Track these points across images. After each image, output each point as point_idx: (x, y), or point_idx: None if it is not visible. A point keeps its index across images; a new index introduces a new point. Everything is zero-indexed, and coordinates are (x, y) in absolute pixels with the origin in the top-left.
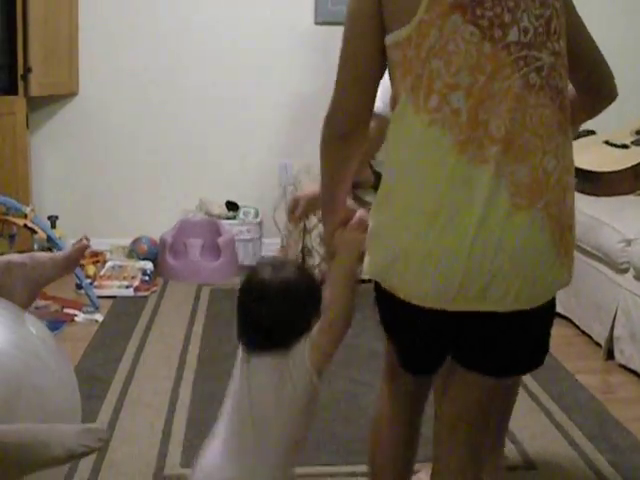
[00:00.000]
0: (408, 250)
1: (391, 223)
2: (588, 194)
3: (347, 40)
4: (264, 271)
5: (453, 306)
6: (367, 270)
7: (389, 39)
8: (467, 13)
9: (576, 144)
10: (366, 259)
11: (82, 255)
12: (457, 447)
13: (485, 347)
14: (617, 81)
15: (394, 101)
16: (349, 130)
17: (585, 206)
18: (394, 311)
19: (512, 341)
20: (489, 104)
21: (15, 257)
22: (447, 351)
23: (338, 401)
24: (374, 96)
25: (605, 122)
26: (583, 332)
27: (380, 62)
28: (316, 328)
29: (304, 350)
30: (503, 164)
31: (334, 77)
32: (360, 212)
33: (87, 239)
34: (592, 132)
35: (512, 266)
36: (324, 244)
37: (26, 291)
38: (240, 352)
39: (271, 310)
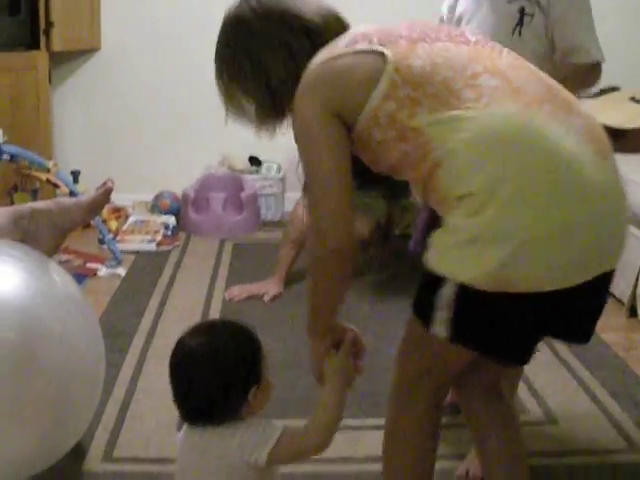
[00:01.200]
0: (530, 238)
1: (497, 221)
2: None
3: (315, 143)
4: (192, 338)
5: (587, 275)
6: (473, 280)
7: (366, 114)
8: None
9: (600, 101)
10: (462, 270)
11: (107, 198)
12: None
13: (591, 313)
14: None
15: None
16: (349, 236)
17: None
18: (503, 311)
19: (604, 302)
20: (512, 74)
21: (40, 203)
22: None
23: None
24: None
25: (631, 78)
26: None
27: (349, 153)
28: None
29: (245, 439)
30: (563, 118)
31: None
32: (353, 332)
33: (112, 181)
34: (616, 88)
35: (617, 213)
36: (312, 368)
37: (52, 237)
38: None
39: (201, 379)
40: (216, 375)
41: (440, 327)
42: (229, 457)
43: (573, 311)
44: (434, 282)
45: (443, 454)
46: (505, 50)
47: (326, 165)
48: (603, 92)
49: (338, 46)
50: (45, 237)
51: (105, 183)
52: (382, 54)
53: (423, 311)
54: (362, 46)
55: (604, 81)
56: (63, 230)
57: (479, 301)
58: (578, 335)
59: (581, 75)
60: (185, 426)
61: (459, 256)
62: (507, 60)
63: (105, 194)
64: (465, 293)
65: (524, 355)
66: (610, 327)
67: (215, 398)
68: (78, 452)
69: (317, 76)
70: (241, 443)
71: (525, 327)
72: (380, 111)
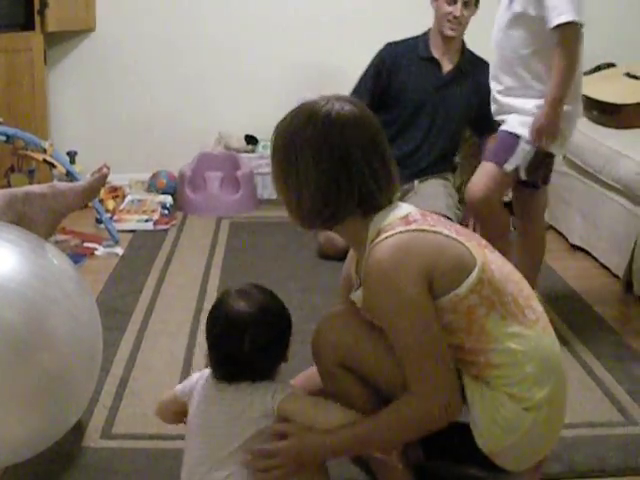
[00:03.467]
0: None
1: (542, 424)
2: (608, 126)
3: (415, 310)
4: (236, 302)
5: None
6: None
7: (450, 298)
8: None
9: (596, 76)
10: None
11: (103, 183)
12: None
13: None
14: (633, 11)
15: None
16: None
17: (604, 138)
18: None
19: None
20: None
21: (35, 187)
22: None
23: None
24: None
25: (626, 54)
26: (602, 264)
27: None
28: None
29: (269, 393)
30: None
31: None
32: None
33: (107, 167)
34: (612, 65)
35: None
36: None
37: (47, 221)
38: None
39: (252, 340)
40: (268, 338)
41: None
42: (264, 409)
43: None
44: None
45: None
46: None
47: (434, 331)
48: (599, 68)
49: (414, 215)
50: (39, 221)
51: (101, 169)
52: (465, 246)
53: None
54: (445, 230)
55: (600, 58)
56: (58, 214)
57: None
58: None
59: (559, 40)
60: (211, 380)
61: (495, 423)
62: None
63: (100, 179)
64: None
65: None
66: (605, 301)
67: (261, 359)
68: (77, 429)
69: (406, 243)
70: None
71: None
72: (464, 300)
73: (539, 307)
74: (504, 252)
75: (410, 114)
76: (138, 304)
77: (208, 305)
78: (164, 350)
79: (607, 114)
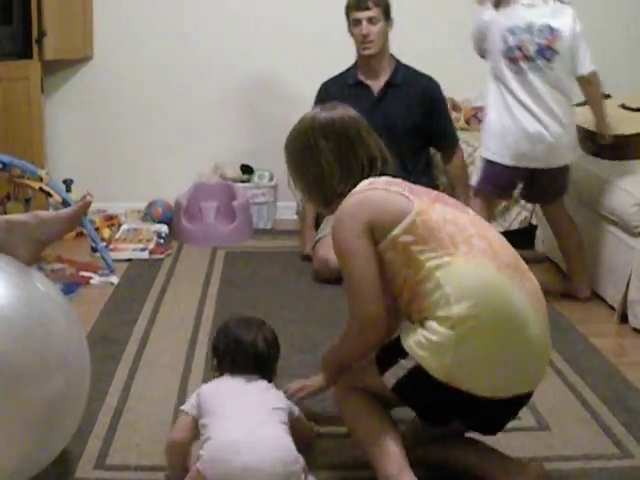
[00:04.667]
0: (481, 360)
1: (461, 339)
2: (603, 157)
3: (354, 254)
4: (241, 319)
5: (509, 393)
6: (433, 370)
7: (388, 240)
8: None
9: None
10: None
11: (86, 212)
12: None
13: (503, 418)
14: (632, 46)
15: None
16: (382, 313)
17: (599, 169)
18: (439, 394)
19: (515, 414)
20: (493, 241)
21: (18, 216)
22: None
23: None
24: None
25: (621, 86)
26: (597, 295)
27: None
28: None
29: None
30: (519, 282)
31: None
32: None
33: (90, 195)
34: (608, 96)
35: (543, 354)
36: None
37: (28, 250)
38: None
39: (264, 338)
40: (273, 337)
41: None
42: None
43: (490, 415)
44: (401, 350)
45: None
46: (490, 225)
47: (370, 270)
48: None
49: (378, 182)
50: (21, 249)
51: (84, 197)
52: (409, 199)
53: (382, 362)
54: (396, 188)
55: None
56: (40, 243)
57: (427, 379)
58: (487, 430)
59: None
60: (227, 378)
61: (429, 349)
62: (491, 231)
63: (84, 207)
64: (420, 371)
65: (438, 423)
66: (601, 333)
67: (269, 356)
68: (70, 459)
69: (359, 201)
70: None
71: (448, 411)
72: (400, 239)
73: (480, 243)
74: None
75: None
76: (133, 334)
77: (203, 336)
78: (159, 381)
79: (605, 147)
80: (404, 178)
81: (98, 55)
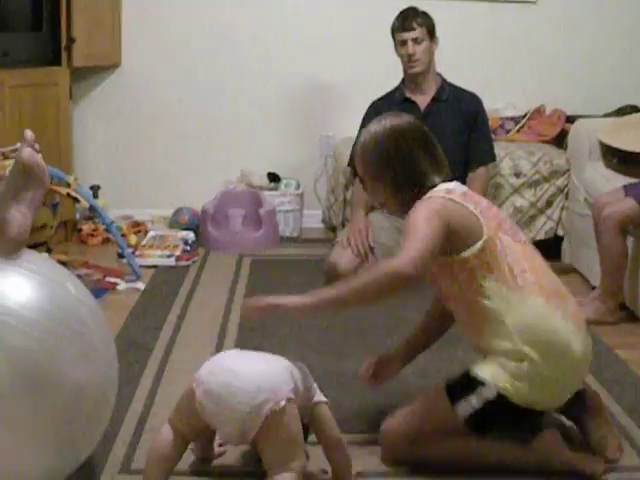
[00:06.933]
0: (550, 389)
1: (532, 372)
2: (628, 175)
3: (432, 224)
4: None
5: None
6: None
7: (459, 257)
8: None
9: (618, 123)
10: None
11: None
12: None
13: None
14: None
15: None
16: (420, 272)
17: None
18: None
19: None
20: (541, 272)
21: None
22: None
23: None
24: None
25: None
26: (623, 306)
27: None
28: None
29: None
30: (563, 306)
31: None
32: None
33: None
34: (635, 107)
35: (586, 366)
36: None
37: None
38: None
39: None
40: None
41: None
42: None
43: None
44: (474, 381)
45: None
46: (536, 252)
47: (435, 238)
48: (620, 110)
49: (455, 192)
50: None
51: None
52: (480, 221)
53: (454, 392)
54: (470, 206)
55: (623, 100)
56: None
57: (505, 405)
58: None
59: None
60: None
61: (508, 380)
62: (538, 260)
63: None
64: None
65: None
66: (627, 344)
67: None
68: (96, 463)
69: (442, 204)
70: None
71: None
72: (468, 261)
73: (531, 278)
74: None
75: None
76: (159, 340)
77: (228, 342)
78: (184, 386)
79: (628, 163)
80: None
81: (126, 62)
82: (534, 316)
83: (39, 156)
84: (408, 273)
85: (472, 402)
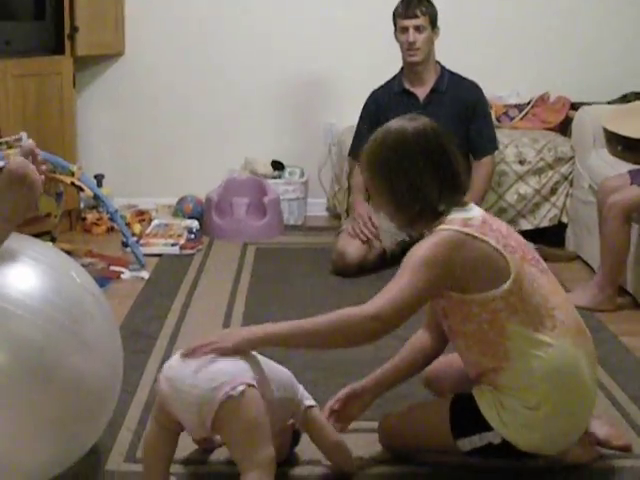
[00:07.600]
0: (560, 436)
1: (544, 420)
2: (632, 162)
3: (424, 277)
4: None
5: None
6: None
7: (481, 297)
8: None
9: (622, 110)
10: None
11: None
12: None
13: None
14: None
15: None
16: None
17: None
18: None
19: None
20: (565, 308)
21: None
22: None
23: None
24: None
25: None
26: (628, 293)
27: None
28: None
29: None
30: (584, 344)
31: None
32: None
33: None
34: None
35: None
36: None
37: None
38: None
39: None
40: None
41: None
42: None
43: None
44: (481, 423)
45: None
46: (559, 285)
47: (417, 294)
48: (625, 97)
49: (473, 222)
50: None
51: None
52: (505, 257)
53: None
54: (492, 240)
55: (627, 87)
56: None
57: (510, 449)
58: None
59: None
60: None
61: (517, 429)
62: (562, 294)
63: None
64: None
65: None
66: (632, 332)
67: None
68: (101, 452)
69: (454, 248)
70: None
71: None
72: (492, 302)
73: (560, 316)
74: None
75: None
76: (163, 328)
77: None
78: None
79: (632, 150)
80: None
81: (130, 51)
82: (562, 360)
83: (32, 167)
84: (371, 327)
85: (475, 441)
